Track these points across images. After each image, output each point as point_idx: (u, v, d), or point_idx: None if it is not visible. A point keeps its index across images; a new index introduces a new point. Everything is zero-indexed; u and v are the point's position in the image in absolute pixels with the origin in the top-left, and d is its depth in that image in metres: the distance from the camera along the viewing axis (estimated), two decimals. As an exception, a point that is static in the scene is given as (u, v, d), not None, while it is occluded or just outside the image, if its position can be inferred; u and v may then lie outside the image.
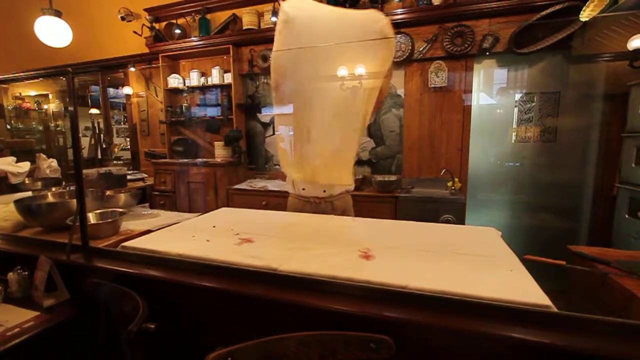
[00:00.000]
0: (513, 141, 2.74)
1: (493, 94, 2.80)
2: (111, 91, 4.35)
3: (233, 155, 3.28)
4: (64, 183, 2.53)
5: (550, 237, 2.63)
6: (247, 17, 3.08)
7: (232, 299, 0.98)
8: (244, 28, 3.11)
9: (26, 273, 1.23)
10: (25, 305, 1.16)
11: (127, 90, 3.90)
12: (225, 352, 0.68)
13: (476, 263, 1.03)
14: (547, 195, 2.67)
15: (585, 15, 1.82)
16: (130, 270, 1.09)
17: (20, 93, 4.96)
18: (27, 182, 2.40)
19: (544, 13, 2.32)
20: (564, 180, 2.63)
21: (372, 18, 1.33)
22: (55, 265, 1.17)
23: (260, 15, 3.11)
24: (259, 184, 3.17)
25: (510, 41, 2.47)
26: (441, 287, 0.85)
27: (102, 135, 4.31)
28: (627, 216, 2.16)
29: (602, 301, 1.14)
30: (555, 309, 0.75)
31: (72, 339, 1.13)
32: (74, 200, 1.34)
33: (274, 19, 3.00)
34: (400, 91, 2.92)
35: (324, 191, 1.67)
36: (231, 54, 3.20)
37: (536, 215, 2.72)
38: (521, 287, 0.86)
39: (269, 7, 3.03)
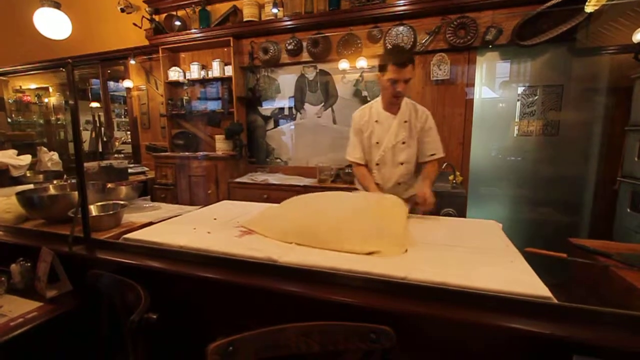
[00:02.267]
0: (515, 135, 2.72)
1: (495, 88, 2.77)
2: (111, 84, 4.32)
3: (234, 148, 3.28)
4: (65, 176, 2.53)
5: (552, 231, 2.63)
6: (248, 9, 3.05)
7: (233, 290, 0.99)
8: (244, 20, 3.08)
9: (29, 264, 1.24)
10: (28, 296, 1.17)
11: (127, 83, 3.88)
12: (226, 342, 0.68)
13: (477, 255, 1.04)
14: (549, 189, 2.66)
15: (590, 6, 1.80)
16: (132, 262, 1.10)
17: (20, 86, 4.94)
18: (28, 174, 2.40)
19: (548, 4, 2.28)
20: (566, 174, 2.62)
21: None
22: (58, 256, 1.18)
23: (261, 6, 3.08)
24: (260, 177, 3.17)
25: (513, 33, 2.44)
26: (441, 279, 0.85)
27: (102, 129, 4.31)
28: (628, 210, 2.16)
29: (602, 293, 1.14)
30: (555, 300, 0.75)
31: (75, 329, 1.14)
32: (76, 193, 1.34)
33: (274, 10, 2.97)
34: (402, 84, 2.89)
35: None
36: (232, 46, 3.17)
37: (538, 209, 2.72)
38: (521, 279, 0.86)
39: (269, -2, 3.00)
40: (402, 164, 1.68)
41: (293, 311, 0.92)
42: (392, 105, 1.64)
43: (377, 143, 1.68)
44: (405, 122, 1.65)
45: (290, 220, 1.30)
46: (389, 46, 2.76)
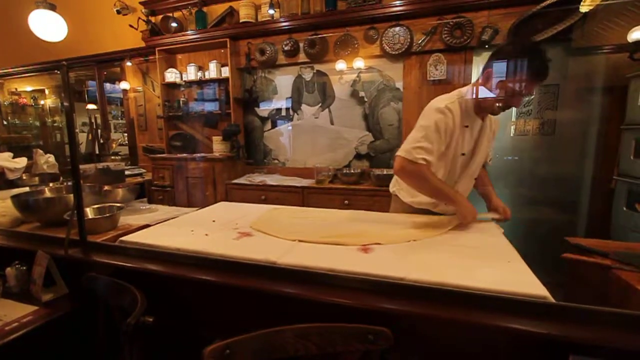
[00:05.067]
0: (511, 135, 2.73)
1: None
2: (108, 86, 4.31)
3: (231, 149, 3.27)
4: (61, 178, 2.52)
5: (549, 230, 2.63)
6: (244, 10, 3.05)
7: (230, 292, 0.98)
8: (241, 21, 3.08)
9: (24, 268, 1.23)
10: (23, 300, 1.16)
11: (124, 85, 3.86)
12: (223, 344, 0.68)
13: (474, 255, 1.04)
14: (546, 188, 2.67)
15: (585, 5, 1.81)
16: (129, 265, 1.09)
17: (16, 88, 4.92)
18: (24, 177, 2.38)
19: (544, 4, 2.30)
20: (562, 173, 2.63)
21: None
22: (54, 260, 1.17)
23: (257, 7, 3.07)
24: (257, 178, 3.16)
25: (509, 33, 2.45)
26: (439, 279, 0.85)
27: (99, 131, 4.29)
28: (625, 209, 2.17)
29: (599, 292, 1.14)
30: (552, 300, 0.75)
31: (71, 332, 1.13)
32: (72, 195, 1.33)
33: (271, 11, 2.97)
34: (399, 84, 2.90)
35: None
36: (228, 47, 3.16)
37: (535, 208, 2.72)
38: (518, 279, 0.86)
39: (266, -1, 3.00)
40: (475, 178, 1.47)
41: (291, 313, 0.91)
42: (487, 111, 1.33)
43: (463, 154, 1.34)
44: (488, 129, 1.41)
45: (295, 224, 1.38)
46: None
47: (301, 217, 1.50)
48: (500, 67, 1.25)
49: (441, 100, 1.30)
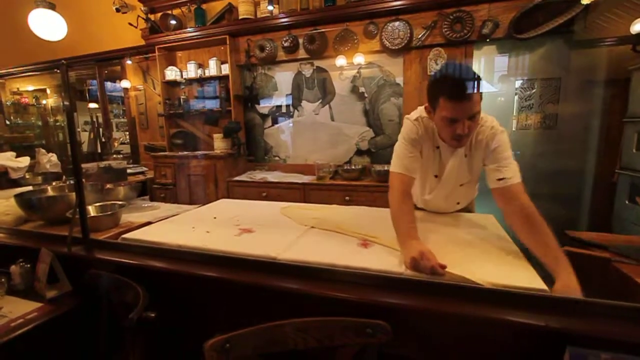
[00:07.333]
0: (513, 129, 2.72)
1: (493, 82, 2.76)
2: (109, 85, 4.32)
3: (232, 147, 3.28)
4: (64, 177, 2.54)
5: (551, 224, 2.62)
6: (243, 7, 3.03)
7: (231, 288, 0.99)
8: (240, 18, 3.07)
9: (28, 265, 1.25)
10: (28, 296, 1.18)
11: (124, 83, 3.87)
12: (223, 338, 0.69)
13: (473, 248, 1.04)
14: (548, 182, 2.66)
15: (586, -3, 1.79)
16: (131, 261, 1.10)
17: (17, 88, 4.93)
18: (27, 176, 2.41)
19: (544, -4, 2.28)
20: (564, 167, 2.61)
21: None
22: (57, 257, 1.19)
23: (256, 4, 3.06)
24: (258, 175, 3.17)
25: (510, 26, 2.43)
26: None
27: (101, 130, 4.31)
28: (627, 202, 2.16)
29: (598, 285, 1.14)
30: (550, 292, 0.76)
31: (75, 328, 1.15)
32: (74, 194, 1.34)
33: (270, 7, 2.95)
34: (399, 79, 2.89)
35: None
36: (228, 44, 3.16)
37: (536, 202, 2.67)
38: (517, 272, 0.86)
39: (265, -5, 2.98)
40: (458, 203, 1.40)
41: (291, 307, 0.92)
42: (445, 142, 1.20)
43: (436, 177, 1.29)
44: (466, 156, 1.21)
45: (312, 215, 1.47)
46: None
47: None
48: (429, 99, 1.13)
49: (416, 112, 1.25)
